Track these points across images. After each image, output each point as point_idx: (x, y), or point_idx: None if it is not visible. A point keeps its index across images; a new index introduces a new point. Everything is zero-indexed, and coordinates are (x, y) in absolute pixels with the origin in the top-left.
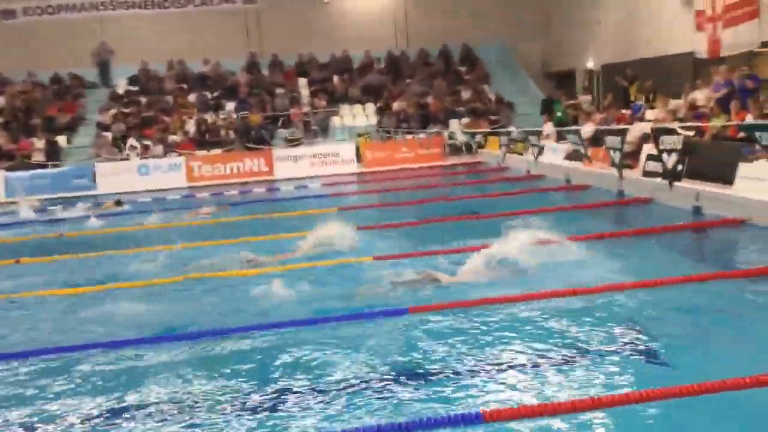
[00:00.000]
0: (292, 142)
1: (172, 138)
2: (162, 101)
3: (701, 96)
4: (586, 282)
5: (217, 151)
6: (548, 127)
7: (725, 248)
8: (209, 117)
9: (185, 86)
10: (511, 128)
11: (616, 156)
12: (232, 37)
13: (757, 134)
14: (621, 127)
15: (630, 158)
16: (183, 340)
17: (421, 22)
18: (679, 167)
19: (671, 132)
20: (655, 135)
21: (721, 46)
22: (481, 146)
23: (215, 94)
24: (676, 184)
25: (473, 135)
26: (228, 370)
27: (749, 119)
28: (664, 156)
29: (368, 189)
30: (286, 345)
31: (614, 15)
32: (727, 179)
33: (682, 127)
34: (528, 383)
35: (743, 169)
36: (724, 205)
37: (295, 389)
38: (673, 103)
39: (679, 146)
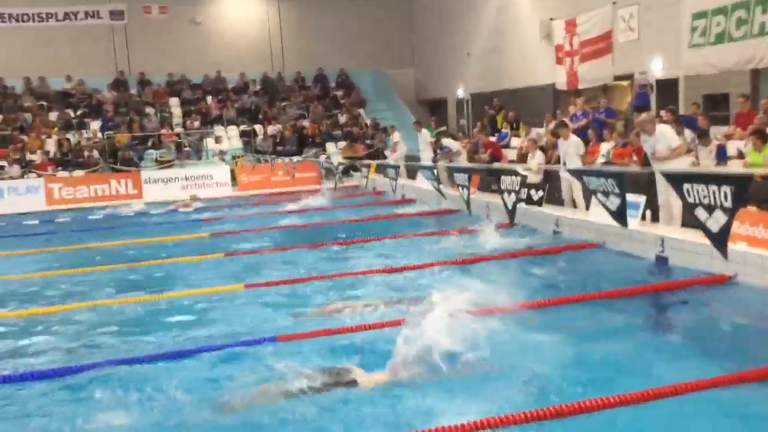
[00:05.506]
0: (163, 164)
1: (31, 158)
2: (19, 119)
3: None
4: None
5: (80, 173)
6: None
7: (584, 270)
8: (72, 136)
9: (45, 104)
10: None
11: (465, 194)
12: (98, 55)
13: (585, 179)
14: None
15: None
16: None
17: (297, 47)
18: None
19: (511, 173)
20: (498, 175)
21: (578, 79)
22: (356, 170)
23: (79, 112)
24: (538, 209)
25: (350, 159)
26: None
27: (605, 147)
28: (504, 195)
29: (242, 213)
30: (153, 376)
31: (482, 47)
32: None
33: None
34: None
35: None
36: (580, 230)
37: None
38: (535, 131)
39: (517, 187)
